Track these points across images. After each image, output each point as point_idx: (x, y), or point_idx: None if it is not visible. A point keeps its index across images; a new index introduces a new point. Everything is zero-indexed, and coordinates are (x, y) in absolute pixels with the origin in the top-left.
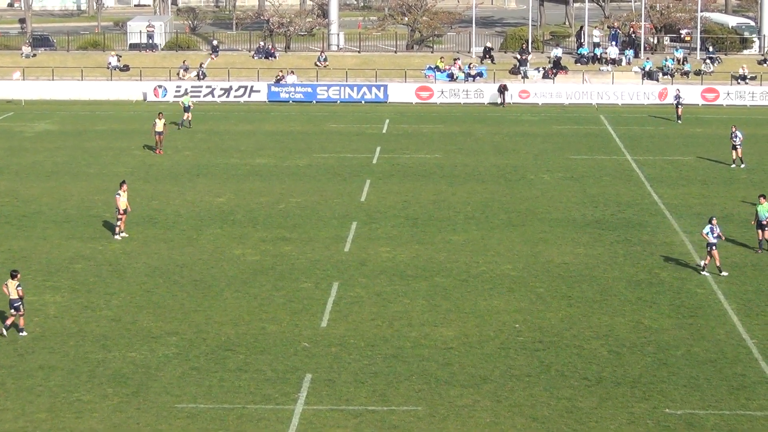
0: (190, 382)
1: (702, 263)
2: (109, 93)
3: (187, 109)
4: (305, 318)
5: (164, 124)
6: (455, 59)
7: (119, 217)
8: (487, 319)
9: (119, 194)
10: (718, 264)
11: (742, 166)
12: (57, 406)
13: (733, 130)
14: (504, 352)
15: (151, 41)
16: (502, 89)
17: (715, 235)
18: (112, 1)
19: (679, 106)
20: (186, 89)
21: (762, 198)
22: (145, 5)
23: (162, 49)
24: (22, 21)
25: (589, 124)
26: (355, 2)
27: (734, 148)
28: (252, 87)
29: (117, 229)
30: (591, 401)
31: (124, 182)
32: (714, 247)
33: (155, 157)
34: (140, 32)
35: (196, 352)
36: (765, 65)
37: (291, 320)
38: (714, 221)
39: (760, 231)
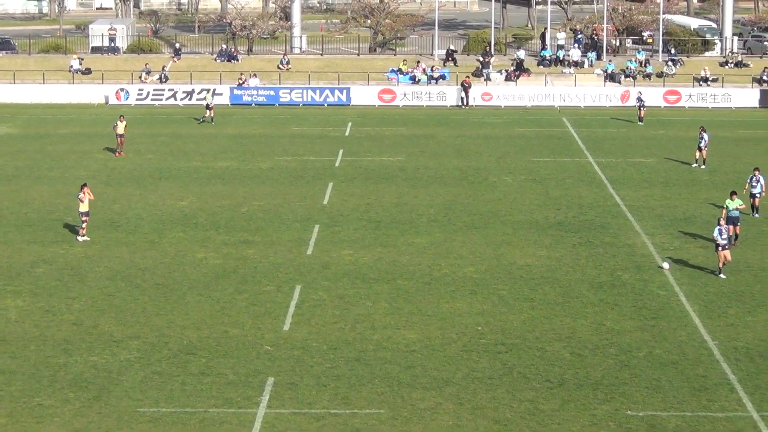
0: (152, 386)
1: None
2: (71, 96)
3: (208, 107)
4: (268, 321)
5: (125, 126)
6: (418, 62)
7: (83, 219)
8: (450, 322)
9: (81, 196)
10: (720, 265)
11: (703, 167)
12: (17, 411)
13: (701, 131)
14: (466, 354)
15: (113, 44)
16: (466, 86)
17: (724, 236)
18: (74, 4)
19: (642, 108)
20: (212, 89)
21: (734, 195)
22: (107, 8)
23: (124, 52)
24: None
25: (552, 127)
26: (318, 5)
27: (699, 149)
28: (214, 90)
29: (81, 231)
30: (553, 403)
31: (85, 185)
32: (724, 248)
33: (117, 160)
34: (102, 35)
35: (158, 356)
36: (727, 67)
37: (253, 324)
38: (722, 222)
39: (731, 226)
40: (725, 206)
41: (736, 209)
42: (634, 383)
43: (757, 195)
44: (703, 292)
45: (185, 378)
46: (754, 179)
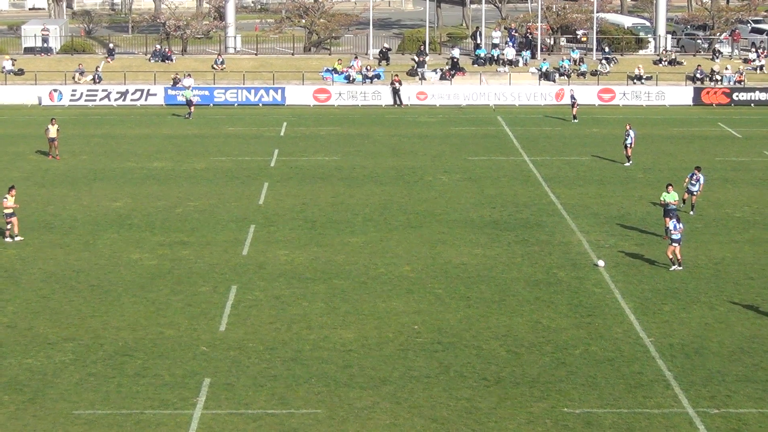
0: (87, 388)
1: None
2: (4, 97)
3: (189, 103)
4: (203, 322)
5: (57, 130)
6: (356, 56)
7: (8, 221)
8: (386, 321)
9: (6, 198)
10: (671, 258)
11: (628, 164)
12: None
13: (627, 129)
14: (403, 353)
15: (46, 45)
16: (396, 85)
17: (674, 231)
18: (6, 4)
19: (575, 106)
20: (190, 86)
21: (669, 187)
22: (39, 9)
23: (57, 53)
24: None
25: (487, 125)
26: (252, 5)
27: (625, 146)
28: (148, 90)
29: (7, 232)
30: (490, 401)
31: (12, 187)
32: (675, 243)
33: (51, 161)
34: (35, 36)
35: (93, 357)
36: (660, 65)
37: (189, 324)
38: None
39: (666, 219)
40: (662, 200)
41: (673, 203)
42: (571, 380)
43: (695, 193)
44: (639, 289)
45: (121, 380)
46: (694, 177)
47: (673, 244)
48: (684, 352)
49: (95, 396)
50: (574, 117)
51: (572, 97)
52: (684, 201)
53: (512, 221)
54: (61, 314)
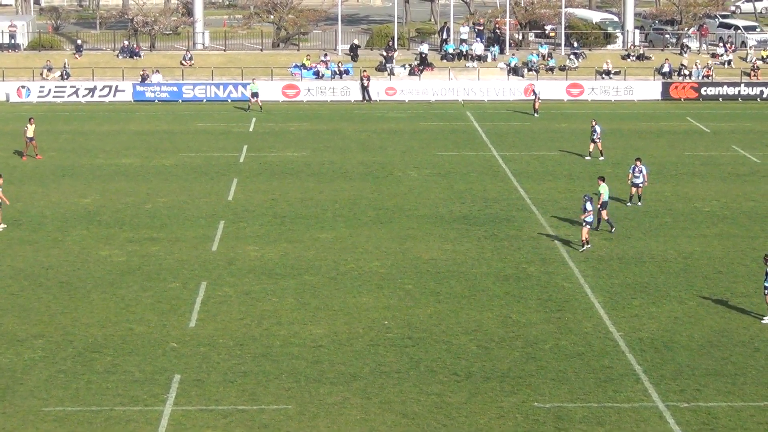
0: (57, 385)
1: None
2: None
3: (255, 95)
4: (173, 318)
5: (34, 130)
6: (326, 54)
7: None
8: (356, 317)
9: None
10: (584, 239)
11: (601, 158)
12: None
13: (593, 124)
14: (373, 348)
15: (13, 41)
16: (364, 80)
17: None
18: None
19: (537, 101)
20: (254, 79)
21: (600, 180)
22: (6, 5)
23: (25, 49)
24: None
25: (456, 121)
26: (220, 1)
27: (593, 141)
28: (117, 87)
29: None
30: (460, 396)
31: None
32: (588, 225)
33: (19, 158)
34: (2, 32)
35: (62, 354)
36: (629, 60)
37: (159, 321)
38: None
39: (605, 212)
40: (600, 192)
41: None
42: (541, 375)
43: (640, 185)
44: (608, 283)
45: (90, 376)
46: (636, 170)
47: (587, 226)
48: (653, 346)
49: (65, 393)
50: (536, 111)
51: (534, 91)
52: (631, 197)
53: (482, 216)
54: (30, 311)
